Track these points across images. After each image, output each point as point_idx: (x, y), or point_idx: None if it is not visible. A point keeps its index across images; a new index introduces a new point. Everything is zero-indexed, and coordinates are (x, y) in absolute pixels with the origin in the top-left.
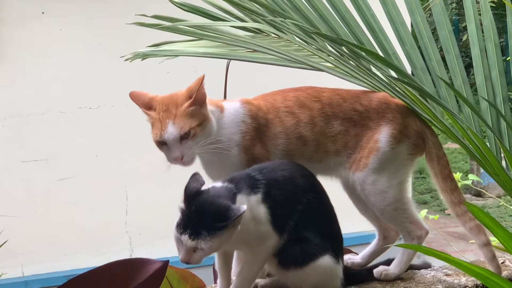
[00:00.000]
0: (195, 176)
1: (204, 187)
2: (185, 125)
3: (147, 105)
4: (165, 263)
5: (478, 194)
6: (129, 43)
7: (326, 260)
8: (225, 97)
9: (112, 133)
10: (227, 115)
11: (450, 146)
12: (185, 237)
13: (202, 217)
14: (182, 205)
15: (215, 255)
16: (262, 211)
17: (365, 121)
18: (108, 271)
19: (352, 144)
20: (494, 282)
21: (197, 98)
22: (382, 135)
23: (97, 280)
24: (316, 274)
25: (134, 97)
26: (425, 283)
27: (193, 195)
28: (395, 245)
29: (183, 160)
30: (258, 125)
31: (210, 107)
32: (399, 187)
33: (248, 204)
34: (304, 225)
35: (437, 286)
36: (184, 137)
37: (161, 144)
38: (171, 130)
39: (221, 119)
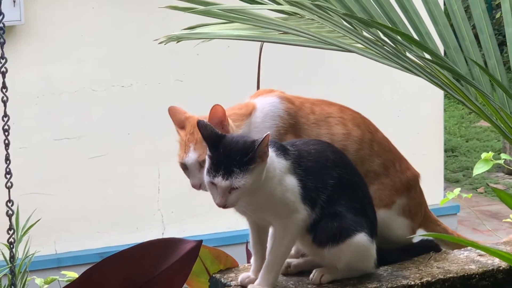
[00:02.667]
0: (202, 125)
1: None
2: (204, 152)
3: (180, 124)
4: (199, 243)
5: (511, 173)
6: (160, 21)
7: (362, 238)
8: (258, 78)
9: (145, 111)
10: (259, 113)
11: (482, 124)
12: (218, 179)
13: (230, 156)
14: (208, 152)
15: (249, 233)
16: (291, 181)
17: (396, 179)
18: (141, 251)
19: (374, 188)
20: None
21: (213, 122)
22: (400, 201)
23: (130, 259)
24: (351, 252)
25: (171, 113)
26: (458, 263)
27: (216, 139)
28: (426, 235)
29: (202, 188)
30: (295, 123)
31: (238, 129)
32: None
33: (275, 164)
34: (337, 200)
35: (470, 266)
36: (203, 164)
37: (184, 167)
38: (191, 155)
39: (251, 123)
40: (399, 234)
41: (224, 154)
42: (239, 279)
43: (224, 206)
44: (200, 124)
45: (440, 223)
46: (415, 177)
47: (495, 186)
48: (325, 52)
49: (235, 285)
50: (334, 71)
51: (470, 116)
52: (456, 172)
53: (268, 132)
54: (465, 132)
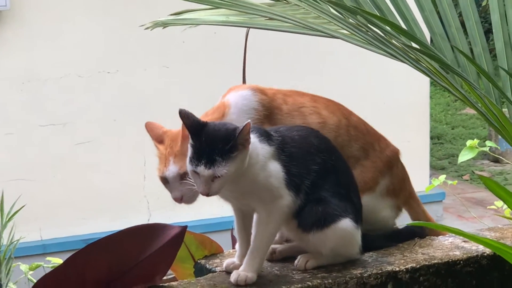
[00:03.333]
0: (184, 113)
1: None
2: (185, 164)
3: (158, 138)
4: (184, 228)
5: (496, 160)
6: (147, 7)
7: (346, 223)
8: (244, 64)
9: (131, 98)
10: (234, 109)
11: (468, 111)
12: (201, 168)
13: (212, 145)
14: (190, 141)
15: (234, 219)
16: (275, 166)
17: (377, 160)
18: (126, 236)
19: (357, 172)
20: (505, 251)
21: (186, 136)
22: (384, 181)
23: (115, 245)
24: (336, 237)
25: (149, 128)
26: (443, 249)
27: (198, 127)
28: (411, 224)
29: (183, 200)
30: (270, 114)
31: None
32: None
33: (258, 150)
34: (321, 186)
35: (455, 252)
36: (183, 177)
37: (164, 181)
38: (172, 168)
39: (228, 121)
40: (386, 215)
41: (206, 143)
42: (224, 265)
43: (207, 194)
44: (182, 113)
45: (420, 203)
46: (395, 153)
47: (480, 173)
48: (311, 39)
49: (220, 271)
50: (320, 59)
51: (456, 104)
52: (442, 159)
53: (249, 121)
54: (451, 120)
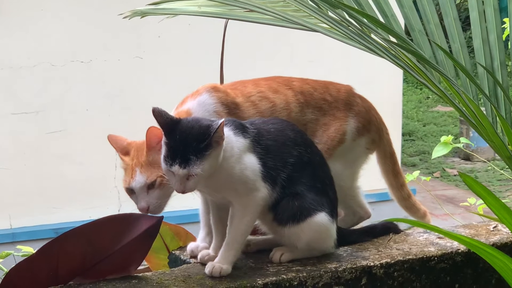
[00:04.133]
0: (157, 112)
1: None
2: (152, 174)
3: (123, 150)
4: (159, 219)
5: (467, 158)
6: None
7: (322, 217)
8: (222, 56)
9: (103, 88)
10: (196, 115)
11: (440, 109)
12: (175, 168)
13: (186, 143)
14: (164, 139)
15: (211, 212)
16: (250, 159)
17: (334, 111)
18: (101, 226)
19: (320, 133)
20: (480, 248)
21: (152, 144)
22: (349, 127)
23: (90, 234)
24: (312, 231)
25: (112, 141)
26: (418, 245)
27: (172, 125)
28: (388, 220)
29: (150, 210)
30: (230, 110)
31: None
32: (353, 176)
33: (233, 143)
34: (297, 179)
35: (429, 249)
36: (150, 187)
37: (130, 192)
38: (138, 179)
39: None
40: (364, 153)
41: (180, 141)
42: (199, 256)
43: (183, 192)
44: (156, 112)
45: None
46: (348, 92)
47: (451, 171)
48: (286, 32)
49: (194, 262)
50: (292, 52)
51: (428, 101)
52: (413, 156)
53: (223, 120)
54: (423, 117)
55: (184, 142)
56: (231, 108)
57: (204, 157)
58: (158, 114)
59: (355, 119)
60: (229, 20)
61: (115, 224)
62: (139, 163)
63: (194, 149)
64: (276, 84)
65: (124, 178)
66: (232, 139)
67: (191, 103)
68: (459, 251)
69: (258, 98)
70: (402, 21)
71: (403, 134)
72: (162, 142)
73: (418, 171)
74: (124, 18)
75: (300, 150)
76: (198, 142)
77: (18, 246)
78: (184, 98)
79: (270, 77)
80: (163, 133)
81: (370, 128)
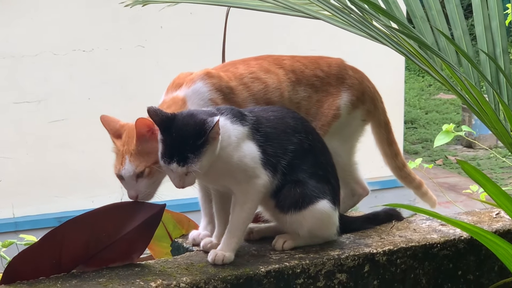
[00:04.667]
0: (152, 111)
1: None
2: (141, 163)
3: (116, 133)
4: (162, 207)
5: (469, 145)
6: None
7: (324, 205)
8: (224, 44)
9: (106, 76)
10: (191, 104)
11: (442, 96)
12: (174, 166)
13: (183, 140)
14: (159, 137)
15: (213, 200)
16: (249, 146)
17: (326, 86)
18: (104, 214)
19: (314, 110)
20: (482, 236)
21: (145, 132)
22: (343, 101)
23: (93, 222)
24: (314, 218)
25: (104, 122)
26: (421, 232)
27: (168, 122)
28: (390, 205)
29: (139, 198)
30: (225, 95)
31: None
32: (350, 150)
33: (230, 131)
34: (299, 166)
35: (432, 236)
36: (139, 176)
37: (120, 178)
38: (128, 167)
39: None
40: (360, 126)
41: (177, 139)
42: (202, 243)
43: (182, 187)
44: (151, 111)
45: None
46: (340, 65)
47: (453, 158)
48: (288, 21)
49: (197, 250)
50: (291, 39)
51: (430, 89)
52: (415, 143)
53: (218, 117)
54: (425, 104)
55: (181, 139)
56: (225, 93)
57: (201, 153)
58: (154, 113)
59: (348, 92)
60: (231, 9)
61: (118, 212)
62: (129, 151)
63: (191, 147)
64: (267, 63)
65: (115, 164)
66: (229, 128)
67: (186, 91)
68: (462, 238)
69: (251, 80)
70: (404, 8)
71: (405, 122)
72: (159, 139)
73: (421, 159)
74: (125, 6)
75: (301, 137)
76: (195, 139)
77: (21, 235)
78: (173, 81)
79: (260, 56)
80: (159, 130)
81: (365, 99)
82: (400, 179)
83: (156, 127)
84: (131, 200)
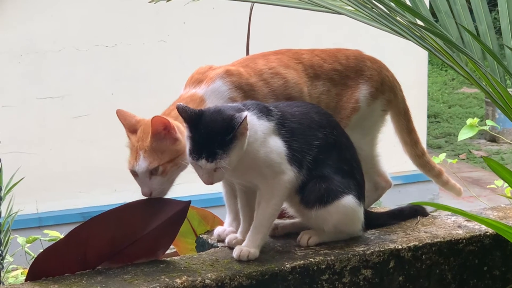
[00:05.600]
0: (181, 108)
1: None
2: (154, 160)
3: (131, 128)
4: (187, 204)
5: (493, 140)
6: None
7: (349, 200)
8: (248, 40)
9: (128, 71)
10: (210, 104)
11: (465, 91)
12: (202, 162)
13: (212, 136)
14: (186, 134)
15: (238, 196)
16: (276, 142)
17: (345, 80)
18: (129, 210)
19: (333, 104)
20: (507, 232)
21: (161, 130)
22: (362, 94)
23: (118, 218)
24: (339, 214)
25: (121, 116)
26: (446, 228)
27: (195, 119)
28: (415, 203)
29: (153, 195)
30: (245, 93)
31: None
32: (371, 142)
33: (257, 126)
34: (324, 161)
35: (457, 231)
36: (153, 173)
37: (134, 174)
38: (141, 163)
39: None
40: (380, 116)
41: (205, 135)
42: (227, 240)
43: (211, 184)
44: (180, 108)
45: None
46: (358, 57)
47: (477, 152)
48: (311, 16)
49: (222, 246)
50: (317, 35)
51: (453, 83)
52: (439, 138)
53: (246, 113)
54: (448, 98)
55: (209, 135)
56: (245, 91)
57: (230, 149)
58: (182, 110)
59: (367, 84)
60: (255, 4)
61: (143, 208)
62: (143, 147)
63: (220, 143)
64: (286, 58)
65: (129, 159)
66: (255, 123)
67: (205, 89)
68: (488, 233)
69: (270, 75)
70: (427, 1)
71: (428, 116)
72: (186, 137)
73: (444, 154)
74: (150, 2)
75: (326, 132)
76: (223, 135)
77: (45, 231)
78: (192, 76)
79: (279, 51)
80: (187, 127)
81: (384, 89)
82: (419, 167)
83: (172, 126)
84: (145, 196)
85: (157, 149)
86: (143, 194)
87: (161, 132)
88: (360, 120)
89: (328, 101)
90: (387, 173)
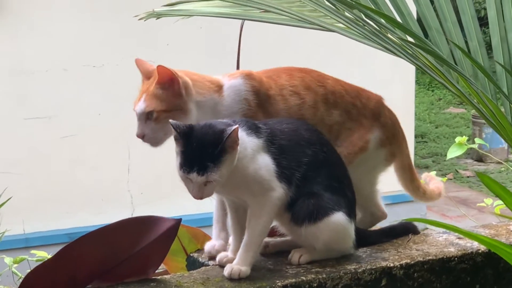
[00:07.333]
0: (174, 124)
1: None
2: (151, 104)
3: (147, 75)
4: (178, 221)
5: (480, 159)
6: (134, 1)
7: (339, 217)
8: (238, 57)
9: (116, 92)
10: (227, 96)
11: (452, 110)
12: (193, 175)
13: (202, 150)
14: (177, 149)
15: (228, 214)
16: (264, 159)
17: (361, 118)
18: (119, 228)
19: (343, 137)
20: (500, 249)
21: (164, 81)
22: (373, 136)
23: (108, 237)
24: (329, 231)
25: (138, 63)
26: (438, 245)
27: (187, 133)
28: (407, 220)
29: (144, 140)
30: (260, 101)
31: (201, 97)
32: (372, 181)
33: (246, 143)
34: (313, 178)
35: (449, 249)
36: (148, 117)
37: (136, 115)
38: (140, 104)
39: (219, 102)
40: (381, 167)
41: (196, 148)
42: (217, 258)
43: (201, 198)
44: (172, 124)
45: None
46: (378, 103)
47: (464, 172)
48: (298, 36)
49: (213, 265)
50: (304, 53)
51: (440, 103)
52: (426, 158)
53: (237, 126)
54: (435, 118)
55: (200, 149)
56: (261, 99)
57: (220, 162)
58: (176, 126)
59: (380, 130)
60: (243, 26)
61: (133, 226)
62: (147, 90)
63: (210, 156)
64: (309, 79)
65: (135, 100)
66: (245, 140)
67: (227, 81)
68: (480, 251)
69: (290, 93)
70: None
71: (415, 136)
72: (177, 150)
73: (435, 171)
74: (139, 19)
75: (315, 149)
76: (214, 148)
77: (33, 251)
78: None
79: (304, 69)
80: (178, 142)
81: (393, 141)
82: (425, 201)
83: (177, 81)
84: (138, 137)
85: (157, 96)
86: (136, 135)
87: (166, 82)
88: (365, 160)
89: (339, 132)
90: (383, 204)
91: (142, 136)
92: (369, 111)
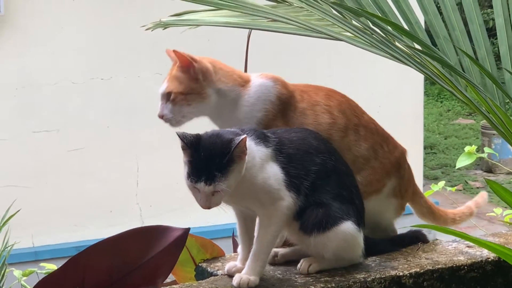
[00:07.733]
0: (181, 135)
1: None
2: (170, 86)
3: (175, 60)
4: (186, 231)
5: (489, 170)
6: (141, 13)
7: (348, 226)
8: (246, 66)
9: (124, 104)
10: (253, 92)
11: (461, 121)
12: (201, 185)
13: (211, 159)
14: (185, 159)
15: (236, 223)
16: (273, 168)
17: (384, 162)
18: (128, 238)
19: (365, 174)
20: (510, 256)
21: (182, 65)
22: (391, 183)
23: (116, 246)
24: (338, 240)
25: (168, 52)
26: (447, 254)
27: (195, 143)
28: (412, 226)
29: (164, 120)
30: (284, 109)
31: (223, 85)
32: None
33: (254, 152)
34: (322, 187)
35: (459, 258)
36: (167, 97)
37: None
38: (163, 86)
39: (242, 96)
40: (389, 216)
41: (204, 158)
42: (226, 268)
43: (208, 208)
44: (180, 136)
45: (423, 196)
46: (403, 154)
47: (473, 183)
48: (306, 46)
49: (221, 274)
50: (312, 65)
51: (449, 114)
52: (435, 169)
53: (245, 135)
54: (444, 129)
55: (208, 158)
56: (285, 108)
57: (228, 172)
58: (182, 136)
59: (397, 180)
60: (250, 37)
61: (141, 236)
62: (171, 74)
63: (218, 165)
64: (347, 105)
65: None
66: (253, 149)
67: (256, 80)
68: (489, 259)
69: (322, 110)
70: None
71: (424, 147)
72: (184, 160)
73: (444, 182)
74: (146, 30)
75: (324, 157)
76: (222, 157)
77: (42, 264)
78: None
79: (345, 96)
80: (186, 152)
81: (404, 196)
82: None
83: (193, 66)
84: (158, 117)
85: (176, 78)
86: (157, 115)
87: (185, 66)
88: (375, 201)
89: (362, 166)
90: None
91: (161, 116)
92: (393, 158)
